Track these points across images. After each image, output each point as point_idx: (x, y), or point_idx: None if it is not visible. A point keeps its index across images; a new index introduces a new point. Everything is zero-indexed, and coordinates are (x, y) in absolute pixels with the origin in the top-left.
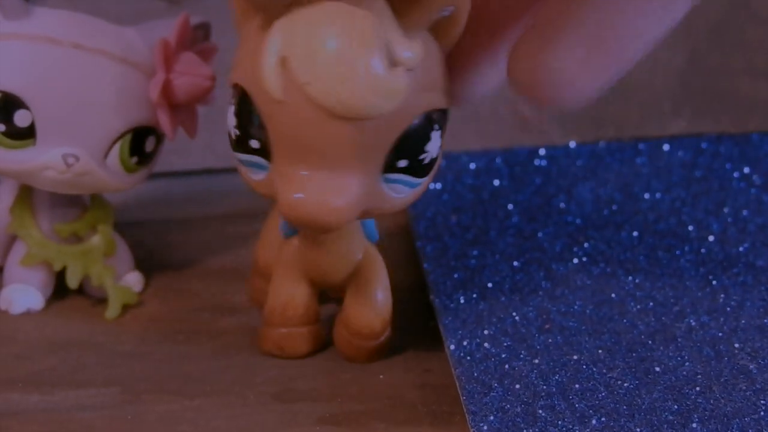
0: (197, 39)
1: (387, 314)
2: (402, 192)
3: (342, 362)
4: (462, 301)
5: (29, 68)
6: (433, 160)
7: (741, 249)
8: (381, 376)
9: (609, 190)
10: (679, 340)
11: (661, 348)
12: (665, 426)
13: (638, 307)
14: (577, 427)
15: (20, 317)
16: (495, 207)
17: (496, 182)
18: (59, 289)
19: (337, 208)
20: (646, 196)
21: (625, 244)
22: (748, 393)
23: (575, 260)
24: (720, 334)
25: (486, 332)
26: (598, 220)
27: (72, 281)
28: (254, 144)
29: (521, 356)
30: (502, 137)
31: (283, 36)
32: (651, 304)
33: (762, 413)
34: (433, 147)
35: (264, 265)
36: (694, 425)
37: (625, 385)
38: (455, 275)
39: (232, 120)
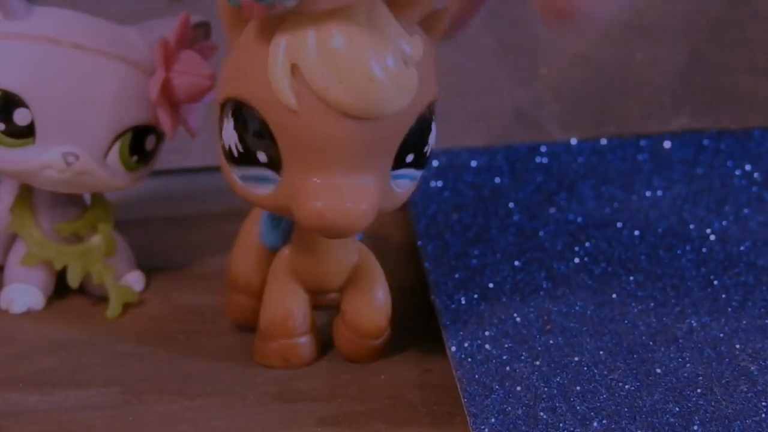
0: (197, 38)
1: (389, 310)
2: (404, 186)
3: (342, 362)
4: (463, 301)
5: (29, 67)
6: (431, 151)
7: (742, 248)
8: (381, 376)
9: (610, 187)
10: (680, 341)
11: (662, 349)
12: (666, 428)
13: (639, 307)
14: (578, 430)
15: (20, 317)
16: (496, 205)
17: (497, 180)
18: (60, 289)
19: (362, 211)
20: (648, 193)
21: (626, 242)
22: (749, 395)
23: (576, 259)
24: (721, 335)
25: (487, 333)
26: (599, 218)
27: (73, 281)
28: (262, 158)
29: (522, 358)
30: (503, 134)
31: (288, 44)
32: (652, 304)
33: (763, 415)
34: (433, 137)
35: (245, 281)
36: (695, 427)
37: (627, 386)
38: (456, 275)
39: (231, 136)
